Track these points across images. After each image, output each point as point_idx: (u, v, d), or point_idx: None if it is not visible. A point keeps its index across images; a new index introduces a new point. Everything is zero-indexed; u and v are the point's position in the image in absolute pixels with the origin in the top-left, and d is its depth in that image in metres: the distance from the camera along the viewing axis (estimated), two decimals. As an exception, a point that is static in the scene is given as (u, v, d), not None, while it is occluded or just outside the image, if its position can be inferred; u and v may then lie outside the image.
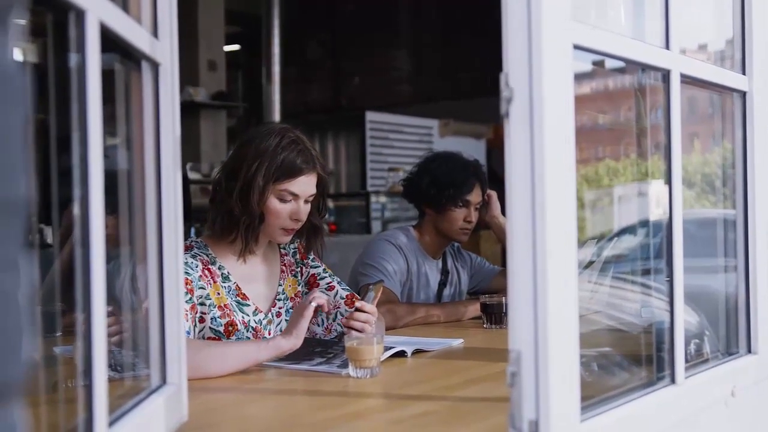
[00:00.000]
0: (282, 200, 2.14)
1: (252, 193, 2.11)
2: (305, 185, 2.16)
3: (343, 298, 2.31)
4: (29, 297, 0.59)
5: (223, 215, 2.16)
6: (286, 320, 2.27)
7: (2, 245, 0.56)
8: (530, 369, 1.16)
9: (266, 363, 1.96)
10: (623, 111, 2.03)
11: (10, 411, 0.57)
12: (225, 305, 2.14)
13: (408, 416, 1.54)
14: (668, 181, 1.51)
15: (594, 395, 1.33)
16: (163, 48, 1.35)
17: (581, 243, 1.53)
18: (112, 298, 1.14)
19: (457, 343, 2.33)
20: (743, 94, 1.79)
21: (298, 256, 2.37)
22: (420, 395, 1.71)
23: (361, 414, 1.60)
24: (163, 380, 1.36)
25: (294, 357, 2.03)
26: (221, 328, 2.12)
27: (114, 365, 1.29)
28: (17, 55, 0.61)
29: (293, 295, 2.32)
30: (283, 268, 2.33)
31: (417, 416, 1.54)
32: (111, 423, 1.08)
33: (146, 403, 1.25)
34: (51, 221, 1.32)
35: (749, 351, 1.80)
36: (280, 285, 2.30)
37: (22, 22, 0.63)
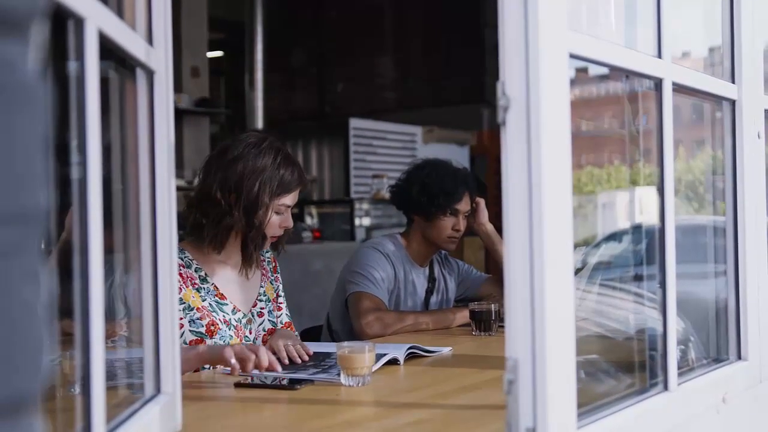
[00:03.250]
0: (277, 213, 2.27)
1: (258, 211, 2.21)
2: (296, 196, 2.31)
3: (282, 324, 2.41)
4: (47, 307, 0.59)
5: (224, 230, 2.22)
6: (269, 320, 2.37)
7: (24, 255, 0.56)
8: (527, 377, 1.16)
9: (261, 372, 1.95)
10: (606, 118, 2.04)
11: (31, 421, 0.57)
12: (203, 307, 2.21)
13: (402, 424, 1.54)
14: (660, 188, 1.52)
15: (589, 402, 1.33)
16: (157, 55, 1.34)
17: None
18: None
19: (446, 350, 2.33)
20: (732, 102, 1.81)
21: (271, 267, 2.47)
22: (413, 403, 1.71)
23: (355, 422, 1.60)
24: (158, 389, 1.35)
25: (289, 367, 2.02)
26: (203, 329, 2.19)
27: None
28: (37, 65, 0.60)
29: (273, 299, 2.43)
30: (264, 272, 2.43)
31: (411, 424, 1.54)
32: (107, 433, 1.07)
33: (141, 413, 1.24)
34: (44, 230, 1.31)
35: (739, 357, 1.81)
36: (261, 286, 2.40)
37: (42, 32, 0.63)
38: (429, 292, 3.10)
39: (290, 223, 2.30)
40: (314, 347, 2.28)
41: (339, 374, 1.87)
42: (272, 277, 2.45)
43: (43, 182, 0.59)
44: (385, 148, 8.20)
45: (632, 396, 1.45)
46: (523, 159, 1.16)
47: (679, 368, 1.56)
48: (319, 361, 2.10)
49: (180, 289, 2.17)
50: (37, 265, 0.57)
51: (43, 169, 0.59)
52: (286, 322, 2.43)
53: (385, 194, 7.15)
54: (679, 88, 1.58)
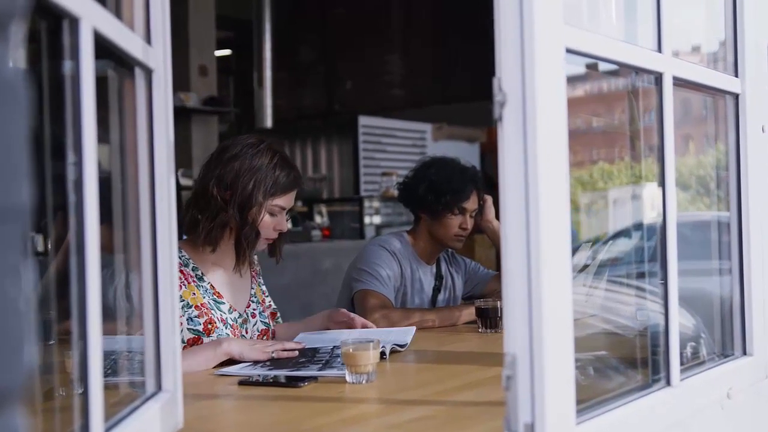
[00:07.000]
0: (271, 214, 2.29)
1: (251, 209, 2.24)
2: (292, 199, 2.34)
3: (270, 313, 2.47)
4: (30, 303, 0.60)
5: (219, 227, 2.25)
6: (261, 321, 2.41)
7: (5, 251, 0.57)
8: (526, 372, 1.16)
9: (265, 372, 1.95)
10: (617, 114, 2.03)
11: (12, 416, 0.58)
12: (202, 304, 2.24)
13: (405, 421, 1.54)
14: (662, 184, 1.52)
15: (590, 398, 1.33)
16: (156, 54, 1.34)
17: (576, 246, 1.54)
18: (106, 306, 1.14)
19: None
20: (736, 97, 1.80)
21: (258, 269, 2.52)
22: (416, 400, 1.71)
23: (358, 419, 1.60)
24: (159, 387, 1.35)
25: (284, 366, 2.01)
26: (200, 327, 2.21)
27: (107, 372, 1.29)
28: (18, 63, 0.61)
29: (261, 301, 2.46)
30: (254, 274, 2.48)
31: (414, 421, 1.54)
32: (107, 430, 1.07)
33: (142, 410, 1.25)
34: (41, 229, 1.32)
35: (744, 353, 1.80)
36: (252, 288, 2.44)
37: (23, 30, 0.63)
38: (437, 289, 3.10)
39: (284, 227, 2.33)
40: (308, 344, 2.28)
41: (339, 368, 1.87)
42: (259, 280, 2.51)
43: (26, 179, 0.59)
44: (395, 146, 8.21)
45: (633, 392, 1.45)
46: (520, 155, 1.16)
47: (687, 364, 1.55)
48: (311, 357, 2.10)
49: (180, 286, 2.19)
50: (20, 260, 0.58)
51: (26, 166, 0.59)
52: (272, 312, 2.49)
53: (395, 192, 7.15)
54: (681, 83, 1.57)
